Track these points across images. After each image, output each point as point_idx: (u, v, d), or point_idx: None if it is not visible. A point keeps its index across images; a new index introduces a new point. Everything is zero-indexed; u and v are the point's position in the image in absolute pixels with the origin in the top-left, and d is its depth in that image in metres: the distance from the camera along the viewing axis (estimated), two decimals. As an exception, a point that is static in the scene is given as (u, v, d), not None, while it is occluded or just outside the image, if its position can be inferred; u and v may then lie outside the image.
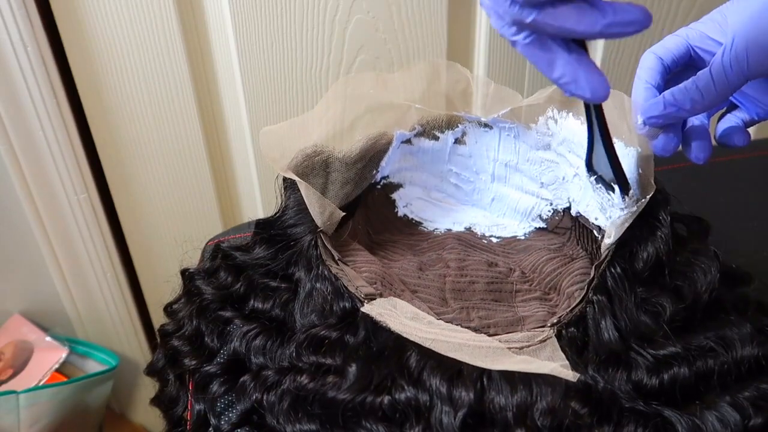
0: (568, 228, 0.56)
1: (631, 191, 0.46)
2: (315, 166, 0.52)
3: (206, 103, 0.80)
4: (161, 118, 0.79)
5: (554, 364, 0.39)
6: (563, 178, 0.55)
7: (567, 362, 0.40)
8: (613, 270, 0.44)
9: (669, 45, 0.44)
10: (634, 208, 0.45)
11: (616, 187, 0.46)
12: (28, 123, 0.75)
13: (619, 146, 0.49)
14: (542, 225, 0.58)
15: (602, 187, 0.48)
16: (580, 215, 0.53)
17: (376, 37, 0.75)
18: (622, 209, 0.46)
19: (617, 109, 0.47)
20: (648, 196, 0.45)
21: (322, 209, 0.49)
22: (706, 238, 0.48)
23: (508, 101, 0.55)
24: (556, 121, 0.53)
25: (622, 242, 0.45)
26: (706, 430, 0.39)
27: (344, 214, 0.51)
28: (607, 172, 0.47)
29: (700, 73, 0.40)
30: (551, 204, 0.57)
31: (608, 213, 0.49)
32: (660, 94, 0.42)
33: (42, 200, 0.81)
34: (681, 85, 0.40)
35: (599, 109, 0.44)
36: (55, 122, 0.75)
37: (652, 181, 0.45)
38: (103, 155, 0.82)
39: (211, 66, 0.78)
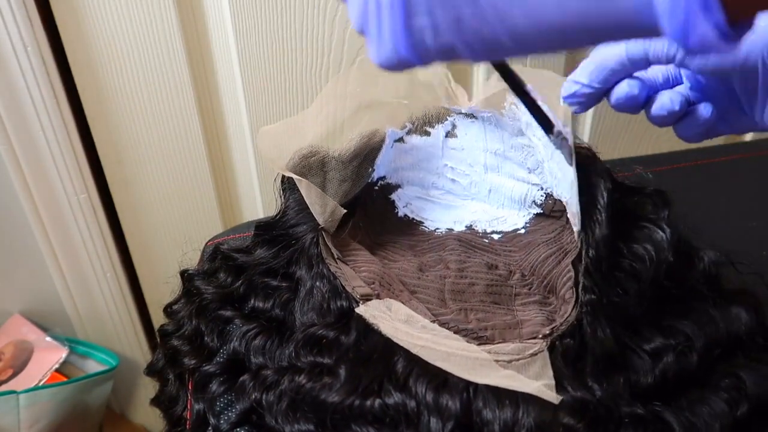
0: (563, 210, 0.55)
1: (555, 128, 0.44)
2: (312, 166, 0.52)
3: (206, 103, 0.80)
4: (161, 118, 0.79)
5: (538, 383, 0.39)
6: (542, 161, 0.55)
7: (553, 382, 0.39)
8: (589, 257, 0.45)
9: None
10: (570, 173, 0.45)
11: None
12: (28, 123, 0.75)
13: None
14: (539, 210, 0.58)
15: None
16: (558, 198, 0.54)
17: (376, 37, 0.75)
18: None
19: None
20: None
21: (323, 207, 0.49)
22: (663, 210, 0.47)
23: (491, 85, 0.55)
24: (517, 106, 0.53)
25: (582, 227, 0.46)
26: (700, 425, 0.39)
27: (345, 211, 0.51)
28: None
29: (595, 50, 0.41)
30: (542, 189, 0.57)
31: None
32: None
33: (42, 200, 0.81)
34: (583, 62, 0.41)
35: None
36: (55, 122, 0.75)
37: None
38: (103, 155, 0.82)
39: (211, 66, 0.78)
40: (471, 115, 0.57)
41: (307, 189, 0.49)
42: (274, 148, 0.52)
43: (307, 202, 0.49)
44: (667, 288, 0.44)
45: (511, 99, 0.52)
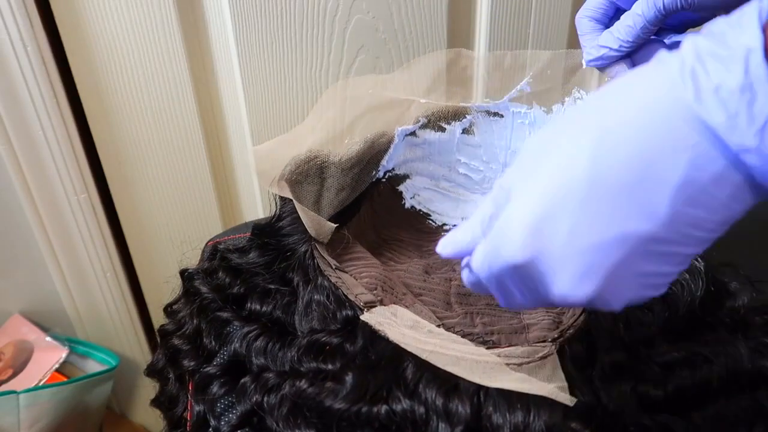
0: None
1: None
2: (309, 173, 0.51)
3: (206, 103, 0.80)
4: (161, 118, 0.79)
5: (551, 385, 0.38)
6: None
7: (566, 384, 0.39)
8: None
9: None
10: None
11: None
12: (28, 123, 0.74)
13: None
14: None
15: None
16: None
17: (376, 37, 0.75)
18: None
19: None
20: None
21: (314, 224, 0.48)
22: None
23: (525, 66, 0.54)
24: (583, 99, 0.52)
25: None
26: None
27: (336, 225, 0.50)
28: None
29: (625, 14, 0.44)
30: None
31: None
32: (604, 28, 0.47)
33: (42, 200, 0.81)
34: (611, 28, 0.45)
35: None
36: (55, 122, 0.75)
37: None
38: (103, 155, 0.82)
39: (211, 66, 0.78)
40: (496, 114, 0.56)
41: (299, 208, 0.48)
42: (268, 164, 0.51)
43: (301, 217, 0.48)
44: (692, 318, 0.44)
45: (578, 95, 0.53)
